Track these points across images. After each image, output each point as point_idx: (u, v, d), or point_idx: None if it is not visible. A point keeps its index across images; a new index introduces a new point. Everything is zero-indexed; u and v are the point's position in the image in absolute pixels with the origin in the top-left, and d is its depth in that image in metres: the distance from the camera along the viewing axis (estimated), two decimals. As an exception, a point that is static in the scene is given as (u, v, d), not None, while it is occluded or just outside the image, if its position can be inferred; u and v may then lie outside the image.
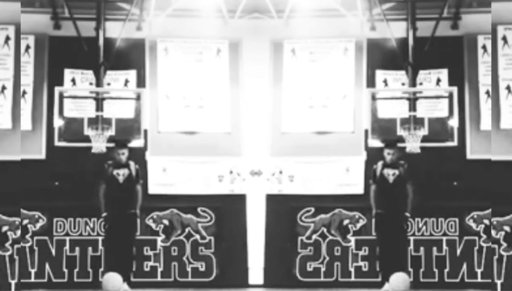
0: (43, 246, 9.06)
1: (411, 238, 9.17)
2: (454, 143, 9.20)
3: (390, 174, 9.04)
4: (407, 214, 8.91)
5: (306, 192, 9.49)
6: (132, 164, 9.12)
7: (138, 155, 9.28)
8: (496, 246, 8.93)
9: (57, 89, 9.25)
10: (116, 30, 9.45)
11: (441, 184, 9.38)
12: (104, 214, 8.91)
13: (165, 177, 9.53)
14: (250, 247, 9.42)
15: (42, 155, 9.37)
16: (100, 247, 9.14)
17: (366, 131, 9.28)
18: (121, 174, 9.01)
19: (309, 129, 9.65)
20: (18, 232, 8.91)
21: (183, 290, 9.05)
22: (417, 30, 9.46)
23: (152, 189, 9.50)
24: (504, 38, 9.50)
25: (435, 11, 9.44)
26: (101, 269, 9.04)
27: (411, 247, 9.14)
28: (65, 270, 9.10)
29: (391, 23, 9.46)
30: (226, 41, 9.77)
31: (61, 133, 9.25)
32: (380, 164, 9.11)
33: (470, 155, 9.40)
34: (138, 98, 9.30)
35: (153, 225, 9.29)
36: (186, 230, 9.29)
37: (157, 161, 9.53)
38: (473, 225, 9.12)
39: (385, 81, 9.78)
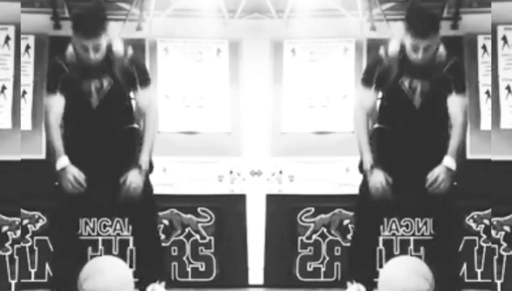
0: (43, 246, 9.05)
1: (411, 238, 9.14)
2: (454, 143, 9.19)
3: (416, 86, 5.02)
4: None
5: (306, 192, 9.48)
6: (118, 67, 5.29)
7: (138, 155, 9.25)
8: (496, 246, 8.92)
9: (57, 89, 9.24)
10: (116, 30, 9.44)
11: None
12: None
13: (165, 177, 9.53)
14: (250, 247, 9.41)
15: (42, 155, 9.36)
16: (100, 246, 9.11)
17: (366, 131, 9.26)
18: (92, 88, 5.09)
19: (309, 129, 9.65)
20: (18, 232, 8.91)
21: (183, 290, 9.05)
22: (417, 30, 9.44)
23: (152, 189, 9.51)
24: (504, 38, 9.49)
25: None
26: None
27: (411, 246, 9.11)
28: (65, 270, 9.09)
29: (391, 23, 9.46)
30: (226, 41, 9.77)
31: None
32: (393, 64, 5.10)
33: (470, 155, 9.39)
34: (138, 98, 9.26)
35: (153, 225, 9.27)
36: (186, 230, 9.29)
37: (157, 161, 9.50)
38: (473, 225, 9.11)
39: (385, 81, 9.78)
